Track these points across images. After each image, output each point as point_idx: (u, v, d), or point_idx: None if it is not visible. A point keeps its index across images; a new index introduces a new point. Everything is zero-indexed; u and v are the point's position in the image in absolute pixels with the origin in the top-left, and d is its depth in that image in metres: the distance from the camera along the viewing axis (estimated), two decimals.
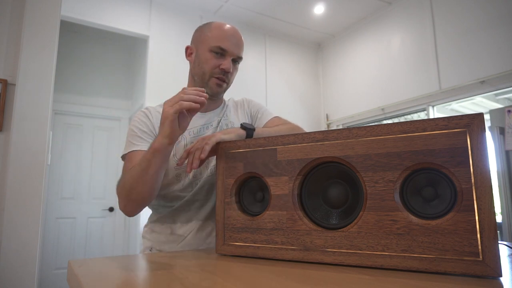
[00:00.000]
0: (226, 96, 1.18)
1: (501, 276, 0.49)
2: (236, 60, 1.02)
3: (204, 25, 1.05)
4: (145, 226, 1.10)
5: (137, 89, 3.88)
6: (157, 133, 0.97)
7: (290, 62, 4.41)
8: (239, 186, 0.76)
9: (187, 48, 1.07)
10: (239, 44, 1.02)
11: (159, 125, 0.96)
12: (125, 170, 0.93)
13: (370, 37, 3.95)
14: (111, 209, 3.83)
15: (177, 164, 0.93)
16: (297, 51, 4.49)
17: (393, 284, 0.49)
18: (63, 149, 3.70)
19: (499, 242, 0.51)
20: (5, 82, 1.83)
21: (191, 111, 0.77)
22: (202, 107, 0.76)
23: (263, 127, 1.07)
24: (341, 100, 4.28)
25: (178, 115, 0.74)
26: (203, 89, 0.78)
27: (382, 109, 3.73)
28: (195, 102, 0.74)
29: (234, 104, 1.17)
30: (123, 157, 0.98)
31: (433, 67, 3.25)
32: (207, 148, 0.79)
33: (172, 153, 0.97)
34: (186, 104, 0.73)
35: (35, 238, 1.76)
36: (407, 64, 3.50)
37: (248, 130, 0.92)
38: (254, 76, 4.05)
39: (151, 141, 0.96)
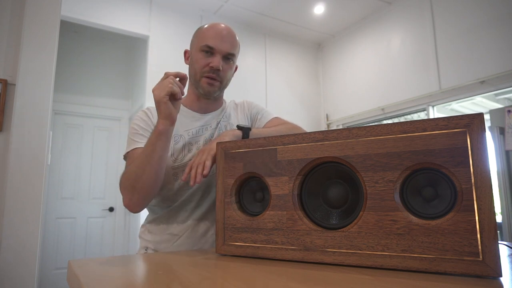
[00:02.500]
0: (227, 98, 1.17)
1: (501, 276, 0.49)
2: (228, 57, 1.00)
3: (200, 27, 1.06)
4: (142, 226, 1.10)
5: (137, 89, 3.89)
6: None
7: (290, 62, 4.41)
8: (239, 186, 0.76)
9: (185, 52, 1.08)
10: (229, 41, 1.00)
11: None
12: (127, 166, 0.93)
13: (370, 37, 3.95)
14: (111, 209, 3.83)
15: (181, 180, 0.93)
16: (297, 51, 4.49)
17: (393, 284, 0.49)
18: (63, 149, 3.69)
19: (499, 242, 0.51)
20: (5, 82, 1.83)
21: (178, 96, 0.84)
22: (181, 93, 0.83)
23: (263, 127, 1.08)
24: (341, 100, 4.28)
25: (170, 98, 0.81)
26: (184, 74, 0.84)
27: (382, 109, 3.73)
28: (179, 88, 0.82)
29: (234, 106, 1.17)
30: (126, 156, 0.97)
31: (433, 67, 3.25)
32: (208, 164, 0.84)
33: (170, 152, 0.97)
34: (176, 88, 0.81)
35: (35, 238, 1.76)
36: (407, 64, 3.50)
37: (244, 129, 0.93)
38: (254, 76, 4.04)
39: None
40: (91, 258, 0.70)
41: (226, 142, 0.79)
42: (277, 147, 0.70)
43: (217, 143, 0.79)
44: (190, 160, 0.98)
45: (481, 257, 0.50)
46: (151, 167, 0.83)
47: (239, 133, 0.92)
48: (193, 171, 0.84)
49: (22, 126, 1.80)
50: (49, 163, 1.94)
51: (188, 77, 0.86)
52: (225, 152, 0.77)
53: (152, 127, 0.99)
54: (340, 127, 4.28)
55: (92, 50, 3.97)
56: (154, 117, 1.01)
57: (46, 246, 3.45)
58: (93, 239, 3.71)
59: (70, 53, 3.80)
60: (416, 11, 3.45)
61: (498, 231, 2.24)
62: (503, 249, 0.76)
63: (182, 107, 1.06)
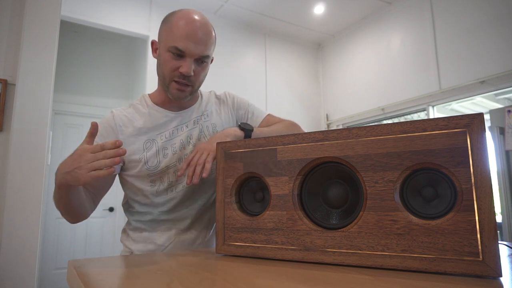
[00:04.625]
0: (209, 87, 1.07)
1: (501, 276, 0.49)
2: (201, 59, 0.88)
3: (169, 15, 0.92)
4: (123, 231, 1.01)
5: (137, 89, 3.89)
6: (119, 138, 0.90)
7: (290, 62, 4.41)
8: (239, 186, 0.76)
9: (152, 43, 0.95)
10: (202, 42, 0.86)
11: (123, 128, 0.90)
12: None
13: (370, 37, 3.95)
14: (111, 209, 3.83)
15: (178, 175, 0.86)
16: (297, 51, 4.49)
17: (393, 284, 0.49)
18: (63, 149, 3.69)
19: (499, 242, 0.51)
20: (5, 82, 1.83)
21: None
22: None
23: (258, 126, 1.05)
24: (341, 100, 4.28)
25: None
26: (120, 141, 0.68)
27: (382, 109, 3.73)
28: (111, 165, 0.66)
29: (216, 101, 1.05)
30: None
31: (433, 67, 3.25)
32: (209, 166, 0.80)
33: (143, 160, 0.89)
34: (103, 173, 0.65)
35: (35, 238, 1.76)
36: (407, 64, 3.50)
37: (247, 130, 0.91)
38: (254, 76, 4.04)
39: None
40: (91, 258, 0.70)
41: (226, 142, 0.79)
42: (277, 147, 0.70)
43: (217, 143, 0.79)
44: (166, 166, 0.90)
45: (481, 257, 0.50)
46: (67, 210, 0.78)
47: (241, 133, 0.90)
48: (190, 169, 0.80)
49: (22, 126, 1.80)
50: (49, 163, 1.94)
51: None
52: (225, 152, 0.77)
53: (112, 137, 0.88)
54: (340, 127, 4.28)
55: (92, 50, 3.97)
56: (124, 125, 0.90)
57: (46, 246, 3.45)
58: (93, 239, 3.71)
59: (70, 53, 3.80)
60: (416, 11, 3.45)
61: (498, 231, 2.23)
62: (503, 249, 0.76)
63: (153, 105, 0.96)
